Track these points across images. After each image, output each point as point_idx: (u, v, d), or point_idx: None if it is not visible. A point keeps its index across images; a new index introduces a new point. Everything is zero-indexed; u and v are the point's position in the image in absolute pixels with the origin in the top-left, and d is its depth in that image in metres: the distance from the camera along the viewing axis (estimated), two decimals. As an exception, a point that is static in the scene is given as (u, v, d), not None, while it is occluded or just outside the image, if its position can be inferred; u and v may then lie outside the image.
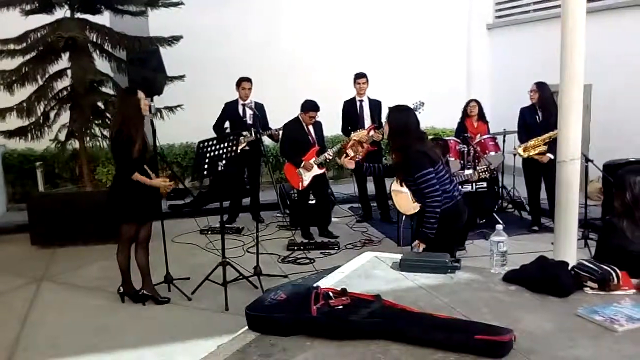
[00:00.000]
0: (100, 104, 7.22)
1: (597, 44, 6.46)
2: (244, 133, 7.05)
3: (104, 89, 7.29)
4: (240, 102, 7.29)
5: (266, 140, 7.59)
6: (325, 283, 2.65)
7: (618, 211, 3.08)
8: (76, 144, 7.33)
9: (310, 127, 6.73)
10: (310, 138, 6.73)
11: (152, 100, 4.99)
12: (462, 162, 6.99)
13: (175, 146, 9.28)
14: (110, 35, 7.14)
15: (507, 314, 2.28)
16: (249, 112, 7.17)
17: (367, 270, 2.93)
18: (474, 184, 6.72)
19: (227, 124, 7.37)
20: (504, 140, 7.59)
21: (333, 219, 7.44)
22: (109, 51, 7.30)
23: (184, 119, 7.45)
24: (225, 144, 4.88)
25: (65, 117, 7.21)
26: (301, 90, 7.39)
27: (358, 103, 7.39)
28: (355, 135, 7.05)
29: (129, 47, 7.18)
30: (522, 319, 2.23)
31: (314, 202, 6.99)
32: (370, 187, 7.54)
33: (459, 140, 7.17)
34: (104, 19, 7.46)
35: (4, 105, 6.94)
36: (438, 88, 9.89)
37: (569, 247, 4.19)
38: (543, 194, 6.71)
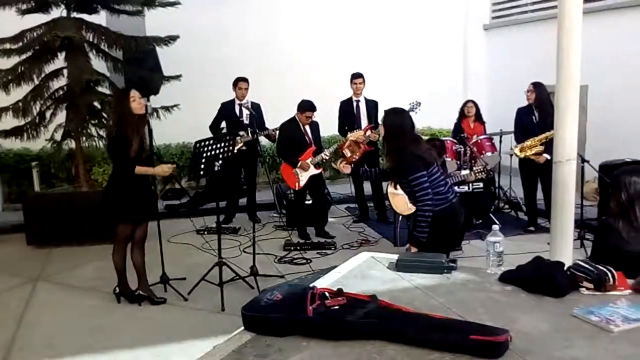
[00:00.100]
0: (96, 103, 7.20)
1: (594, 45, 6.47)
2: (241, 133, 7.04)
3: (100, 89, 7.27)
4: (237, 102, 7.28)
5: (263, 140, 7.59)
6: (321, 283, 2.65)
7: (614, 212, 3.09)
8: (72, 144, 7.32)
9: (307, 127, 6.72)
10: (307, 138, 6.72)
11: (148, 100, 4.97)
12: (458, 162, 6.99)
13: (172, 146, 9.28)
14: (107, 35, 7.12)
15: (503, 315, 2.28)
16: (245, 112, 7.18)
17: (364, 271, 2.92)
18: (470, 184, 6.73)
19: (223, 124, 7.36)
20: (500, 141, 7.60)
21: (330, 219, 7.44)
22: (105, 51, 7.28)
23: (180, 118, 7.44)
24: (222, 144, 4.87)
25: (61, 116, 7.19)
26: (298, 90, 7.38)
27: (355, 103, 7.39)
28: (352, 136, 7.05)
29: (126, 46, 7.16)
30: (518, 320, 2.23)
31: (310, 202, 6.99)
32: (367, 188, 7.54)
33: (455, 141, 7.17)
34: (101, 18, 7.45)
35: (0, 105, 6.92)
36: (435, 88, 9.89)
37: (565, 247, 4.19)
38: (539, 195, 6.72)
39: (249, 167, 7.55)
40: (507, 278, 2.65)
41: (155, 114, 7.09)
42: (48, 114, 7.12)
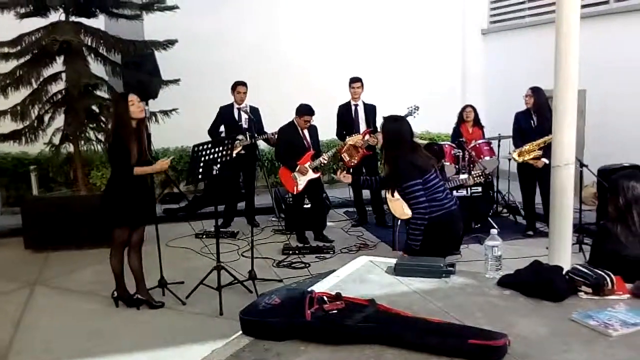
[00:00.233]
0: (94, 107, 7.20)
1: (592, 50, 6.49)
2: (240, 137, 7.04)
3: (98, 93, 7.27)
4: (236, 106, 7.28)
5: (261, 144, 7.59)
6: (319, 287, 2.65)
7: (612, 216, 3.09)
8: (70, 148, 7.31)
9: (306, 131, 6.72)
10: (305, 142, 6.72)
11: (147, 104, 4.97)
12: (457, 166, 7.00)
13: (170, 150, 9.26)
14: (105, 39, 7.13)
15: (502, 319, 2.28)
16: (244, 116, 7.18)
17: (362, 275, 2.92)
18: (469, 188, 6.74)
19: (222, 128, 7.36)
20: (498, 145, 7.61)
21: (328, 223, 7.43)
22: (103, 55, 7.29)
23: (179, 122, 7.44)
24: (220, 148, 4.87)
25: (59, 120, 7.18)
26: (296, 94, 7.38)
27: (353, 107, 7.40)
28: (351, 140, 7.07)
29: (124, 50, 7.17)
30: (516, 324, 2.23)
31: (309, 206, 6.98)
32: (366, 192, 7.54)
33: (454, 145, 7.18)
34: (99, 22, 7.45)
35: (-2, 108, 6.92)
36: (433, 93, 9.90)
37: (563, 251, 4.20)
38: (538, 199, 6.72)
39: (248, 171, 7.55)
40: (505, 282, 2.65)
41: (153, 118, 7.10)
42: (46, 118, 7.12)
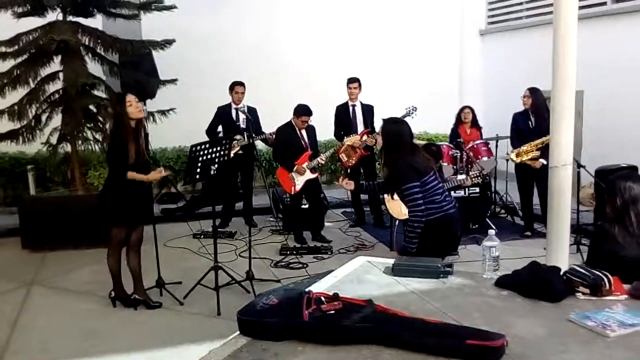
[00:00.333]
0: (92, 107, 7.19)
1: (589, 50, 6.51)
2: (237, 137, 7.04)
3: (96, 92, 7.26)
4: (234, 106, 7.28)
5: (259, 144, 7.58)
6: (317, 288, 2.65)
7: (609, 217, 3.09)
8: (68, 148, 7.30)
9: (303, 132, 6.72)
10: (303, 142, 6.72)
11: (144, 104, 4.97)
12: (455, 167, 7.00)
13: (168, 150, 9.26)
14: (103, 39, 7.12)
15: (499, 319, 2.28)
16: (242, 116, 7.17)
17: (360, 275, 2.92)
18: (466, 189, 6.74)
19: (220, 128, 7.35)
20: (496, 146, 7.61)
21: (326, 224, 7.43)
22: (101, 54, 7.27)
23: (176, 122, 7.44)
24: (218, 148, 4.87)
25: (57, 120, 7.17)
26: (294, 94, 7.40)
27: (351, 108, 7.39)
28: (349, 140, 7.08)
29: (122, 50, 7.17)
30: (514, 324, 2.23)
31: (307, 206, 6.98)
32: (363, 195, 7.53)
33: (452, 146, 7.19)
34: (97, 22, 7.44)
35: (-4, 108, 6.91)
36: (431, 93, 9.91)
37: (561, 252, 4.20)
38: (536, 200, 6.73)
39: (246, 171, 7.55)
40: (503, 283, 2.65)
41: (151, 118, 7.09)
42: (44, 118, 7.11)
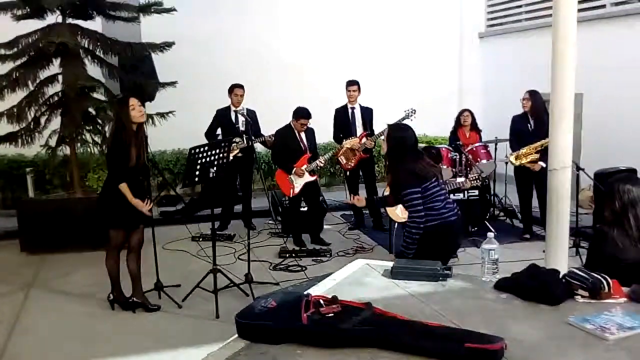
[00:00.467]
0: (91, 109, 7.17)
1: (589, 53, 6.51)
2: (237, 140, 7.03)
3: (95, 95, 7.24)
4: (233, 108, 7.28)
5: (258, 147, 7.59)
6: (316, 290, 2.64)
7: (608, 220, 3.09)
8: (67, 150, 7.29)
9: (302, 134, 6.72)
10: (302, 145, 6.72)
11: (143, 106, 4.96)
12: (454, 170, 7.00)
13: (167, 152, 9.26)
14: (102, 41, 7.11)
15: (498, 322, 2.28)
16: (241, 118, 7.16)
17: (359, 278, 2.92)
18: (466, 191, 6.75)
19: (219, 131, 7.35)
20: (495, 148, 7.62)
21: (325, 226, 7.43)
22: (100, 57, 7.27)
23: (175, 125, 7.42)
24: (217, 151, 4.86)
25: (56, 122, 7.16)
26: (294, 97, 7.40)
27: (350, 110, 7.39)
28: (348, 143, 7.08)
29: (121, 52, 7.16)
30: (513, 327, 2.23)
31: (306, 209, 6.98)
32: (363, 195, 7.51)
33: (451, 148, 7.19)
34: (96, 24, 7.43)
35: (-5, 110, 6.90)
36: (430, 96, 9.92)
37: (560, 255, 4.20)
38: (535, 202, 6.72)
39: (245, 174, 7.54)
40: (502, 286, 2.65)
41: (150, 120, 7.08)
42: (43, 120, 7.09)
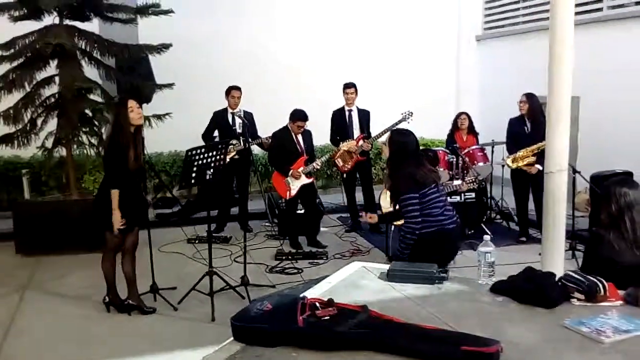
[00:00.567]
0: (88, 111, 7.16)
1: (586, 56, 6.52)
2: (233, 142, 7.03)
3: (92, 97, 7.23)
4: (230, 110, 7.27)
5: (255, 149, 7.58)
6: (312, 293, 2.64)
7: (604, 222, 3.10)
8: (63, 152, 7.27)
9: (299, 137, 6.72)
10: (298, 147, 6.72)
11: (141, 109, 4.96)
12: (451, 172, 7.01)
13: (164, 154, 9.24)
14: (99, 43, 7.10)
15: (494, 325, 2.28)
16: (238, 120, 7.17)
17: (355, 281, 2.91)
18: (462, 194, 6.75)
19: (216, 133, 7.34)
20: (492, 151, 7.63)
21: (322, 229, 7.42)
22: (97, 58, 7.26)
23: (172, 127, 7.41)
24: (214, 153, 4.85)
25: (52, 124, 7.14)
26: (291, 99, 7.39)
27: (347, 113, 7.40)
28: (345, 145, 7.08)
29: (118, 54, 7.15)
30: (509, 330, 2.22)
31: (302, 211, 6.97)
32: (359, 197, 7.54)
33: (447, 151, 7.20)
34: (93, 26, 7.42)
35: (-9, 111, 6.88)
36: (427, 98, 9.92)
37: (556, 258, 4.20)
38: (531, 205, 6.73)
39: (242, 176, 7.53)
40: (498, 288, 2.65)
41: (147, 122, 7.07)
42: (39, 122, 7.08)
